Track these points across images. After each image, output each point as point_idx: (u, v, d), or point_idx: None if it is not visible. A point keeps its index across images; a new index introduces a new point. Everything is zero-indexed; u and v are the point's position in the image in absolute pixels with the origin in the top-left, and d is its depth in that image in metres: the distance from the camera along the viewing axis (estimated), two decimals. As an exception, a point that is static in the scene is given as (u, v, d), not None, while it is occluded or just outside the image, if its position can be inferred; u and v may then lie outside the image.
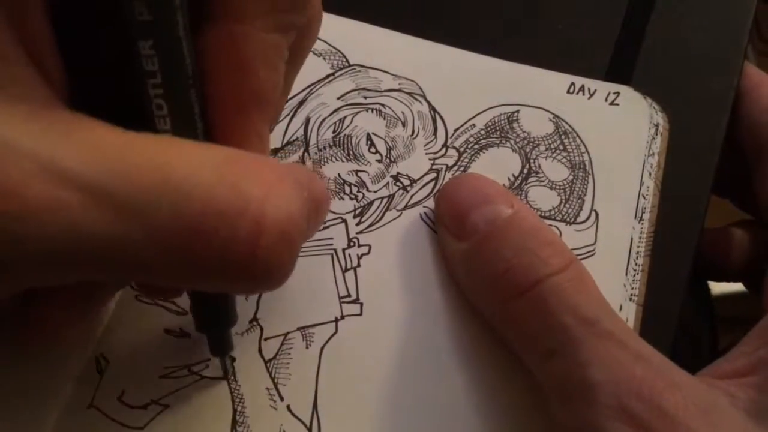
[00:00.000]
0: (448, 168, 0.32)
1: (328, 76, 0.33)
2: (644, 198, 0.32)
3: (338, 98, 0.33)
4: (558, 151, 0.32)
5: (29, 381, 0.28)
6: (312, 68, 0.33)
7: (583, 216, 0.31)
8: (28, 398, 0.28)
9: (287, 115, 0.33)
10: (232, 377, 0.28)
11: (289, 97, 0.33)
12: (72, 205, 0.17)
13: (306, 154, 0.32)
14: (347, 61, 0.34)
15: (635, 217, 0.31)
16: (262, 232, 0.19)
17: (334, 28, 0.34)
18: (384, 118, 0.33)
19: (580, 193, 0.32)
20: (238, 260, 0.19)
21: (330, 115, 0.33)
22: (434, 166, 0.32)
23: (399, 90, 0.33)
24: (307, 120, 0.33)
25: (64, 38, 0.20)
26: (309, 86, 0.33)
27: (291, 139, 0.32)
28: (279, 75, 0.23)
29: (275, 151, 0.32)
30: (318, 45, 0.34)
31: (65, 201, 0.17)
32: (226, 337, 0.27)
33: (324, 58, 0.34)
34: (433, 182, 0.32)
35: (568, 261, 0.27)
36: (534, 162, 0.32)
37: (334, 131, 0.32)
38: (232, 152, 0.20)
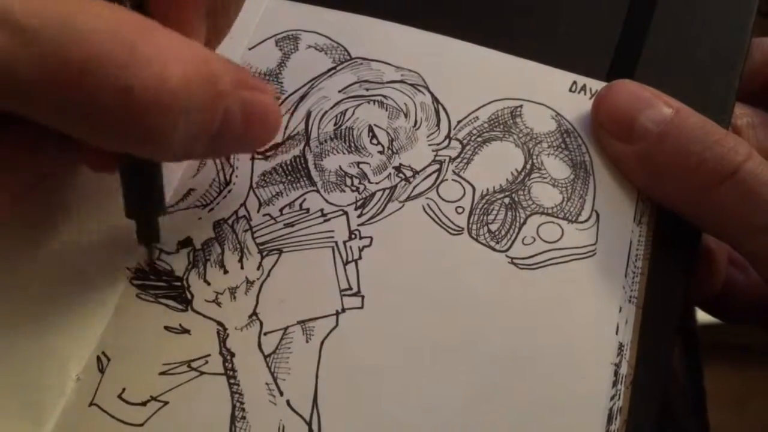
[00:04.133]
0: (451, 159, 0.31)
1: (329, 71, 0.33)
2: (643, 201, 0.31)
3: (339, 91, 0.33)
4: (560, 150, 0.32)
5: (30, 379, 0.28)
6: (313, 63, 0.33)
7: (584, 216, 0.31)
8: (30, 397, 0.28)
9: (288, 110, 0.32)
10: (231, 372, 0.28)
11: (290, 92, 0.33)
12: None
13: (307, 147, 0.32)
14: (349, 54, 0.33)
15: (634, 220, 0.31)
16: (132, 88, 0.21)
17: (336, 23, 0.34)
18: (386, 110, 0.32)
19: (581, 192, 0.31)
20: (108, 106, 0.21)
21: (331, 108, 0.32)
22: (437, 158, 0.31)
23: (401, 81, 0.33)
24: (308, 114, 0.32)
25: None
26: (310, 81, 0.33)
27: (292, 134, 0.32)
28: None
29: (276, 146, 0.32)
30: (319, 40, 0.34)
31: None
32: (153, 225, 0.29)
33: (326, 53, 0.33)
34: (436, 173, 0.31)
35: (749, 147, 0.30)
36: (537, 158, 0.32)
37: (335, 124, 0.32)
38: (144, 20, 0.22)
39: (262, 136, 0.27)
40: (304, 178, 0.31)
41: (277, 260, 0.30)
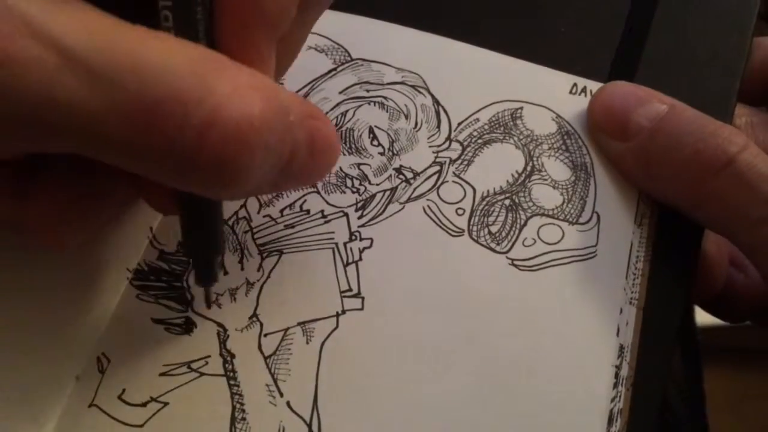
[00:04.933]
0: (452, 161, 0.31)
1: (330, 72, 0.33)
2: (643, 203, 0.31)
3: (340, 92, 0.33)
4: (560, 151, 0.32)
5: (31, 380, 0.28)
6: (314, 64, 0.33)
7: (585, 217, 0.31)
8: (30, 398, 0.28)
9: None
10: (231, 374, 0.28)
11: (291, 93, 0.33)
12: (49, 64, 0.19)
13: (308, 149, 0.32)
14: (349, 55, 0.33)
15: (635, 222, 0.31)
16: (213, 124, 0.20)
17: (337, 24, 0.34)
18: (386, 111, 0.32)
19: (582, 194, 0.31)
20: (186, 146, 0.20)
21: (332, 109, 0.32)
22: (437, 159, 0.31)
23: (402, 83, 0.33)
24: (309, 115, 0.32)
25: None
26: (311, 82, 0.33)
27: (293, 135, 0.32)
28: (290, 2, 0.23)
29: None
30: (320, 41, 0.34)
31: (44, 60, 0.19)
32: (212, 265, 0.27)
33: (326, 54, 0.33)
34: (437, 175, 0.31)
35: (745, 138, 0.30)
36: (537, 160, 0.32)
37: (336, 125, 0.32)
38: (215, 55, 0.21)
39: (324, 168, 0.26)
40: (305, 180, 0.31)
41: (278, 262, 0.30)
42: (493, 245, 0.30)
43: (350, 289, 0.29)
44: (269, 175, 0.23)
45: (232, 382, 0.28)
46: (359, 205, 0.31)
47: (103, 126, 0.19)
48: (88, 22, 0.20)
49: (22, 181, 0.24)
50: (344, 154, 0.32)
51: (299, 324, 0.29)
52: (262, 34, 0.23)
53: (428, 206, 0.31)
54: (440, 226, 0.30)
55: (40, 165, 0.24)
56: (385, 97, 0.32)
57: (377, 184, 0.31)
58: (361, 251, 0.30)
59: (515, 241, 0.30)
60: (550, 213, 0.31)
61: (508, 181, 0.31)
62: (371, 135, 0.32)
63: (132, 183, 0.25)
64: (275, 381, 0.28)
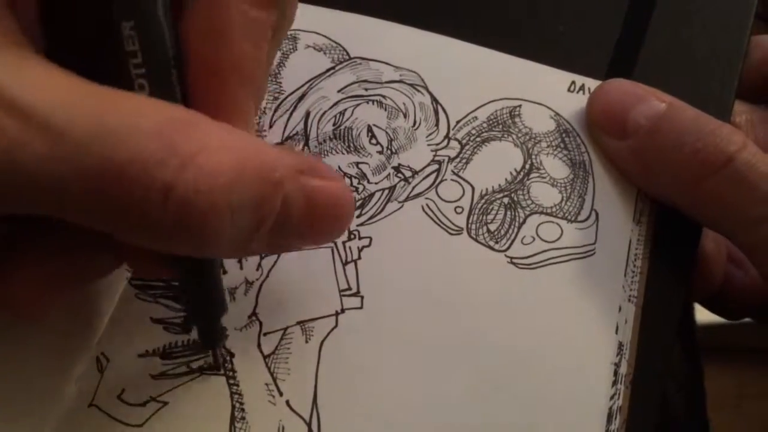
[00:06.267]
0: (450, 160, 0.31)
1: (328, 70, 0.33)
2: (642, 200, 0.31)
3: (339, 91, 0.33)
4: (559, 149, 0.32)
5: (30, 381, 0.28)
6: (313, 63, 0.33)
7: (583, 215, 0.31)
8: (29, 398, 0.28)
9: (287, 110, 0.32)
10: (231, 373, 0.28)
11: (289, 92, 0.33)
12: (10, 127, 0.18)
13: (306, 147, 0.32)
14: (348, 54, 0.33)
15: (633, 220, 0.31)
16: (175, 186, 0.19)
17: (335, 23, 0.34)
18: (385, 110, 0.32)
19: (580, 191, 0.31)
20: (151, 209, 0.19)
21: (330, 108, 0.32)
22: (436, 158, 0.31)
23: (400, 81, 0.33)
24: (307, 114, 0.32)
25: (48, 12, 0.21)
26: (309, 81, 0.33)
27: (291, 134, 0.32)
28: (261, 51, 0.23)
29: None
30: (318, 40, 0.34)
31: (3, 123, 0.18)
32: (217, 326, 0.27)
33: (324, 53, 0.33)
34: (435, 174, 0.31)
35: (744, 137, 0.30)
36: (536, 158, 0.32)
37: (334, 124, 0.32)
38: (188, 114, 0.21)
39: (331, 227, 0.25)
40: (303, 178, 0.31)
41: (276, 261, 0.30)
42: (491, 243, 0.30)
43: (349, 288, 0.29)
44: (255, 237, 0.22)
45: (231, 382, 0.28)
46: (358, 203, 0.31)
47: (68, 189, 0.19)
48: (52, 83, 0.19)
49: None
50: (343, 153, 0.32)
51: (298, 323, 0.29)
52: (239, 88, 0.23)
53: (427, 205, 0.31)
54: (439, 225, 0.30)
55: (17, 239, 0.24)
56: (383, 96, 0.32)
57: (376, 183, 0.31)
58: (360, 250, 0.30)
59: (514, 239, 0.30)
60: (549, 211, 0.31)
61: (506, 179, 0.31)
62: (370, 134, 0.32)
63: (114, 249, 0.24)
64: (274, 380, 0.28)
